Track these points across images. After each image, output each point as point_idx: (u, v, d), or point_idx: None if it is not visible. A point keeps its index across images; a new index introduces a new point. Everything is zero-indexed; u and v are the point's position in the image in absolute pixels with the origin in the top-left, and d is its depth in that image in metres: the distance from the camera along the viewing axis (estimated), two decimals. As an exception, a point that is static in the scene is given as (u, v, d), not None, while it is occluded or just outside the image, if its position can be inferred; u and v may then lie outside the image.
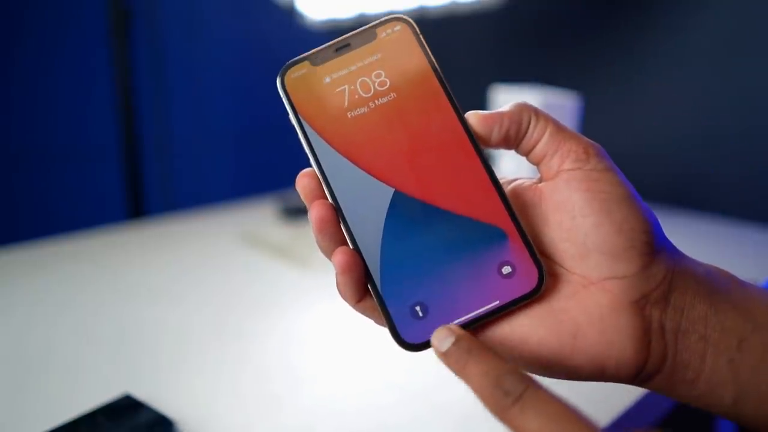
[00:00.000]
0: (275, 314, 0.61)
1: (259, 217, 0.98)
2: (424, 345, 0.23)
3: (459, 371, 0.21)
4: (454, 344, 0.21)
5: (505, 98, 0.75)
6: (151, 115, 1.49)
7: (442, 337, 0.22)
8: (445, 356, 0.21)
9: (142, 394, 0.46)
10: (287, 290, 0.68)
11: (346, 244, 0.25)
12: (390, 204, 0.25)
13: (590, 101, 1.12)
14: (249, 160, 1.72)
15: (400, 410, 0.45)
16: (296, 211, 0.94)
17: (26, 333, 0.57)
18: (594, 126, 1.12)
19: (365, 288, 0.25)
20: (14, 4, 1.26)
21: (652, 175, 1.06)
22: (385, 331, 0.58)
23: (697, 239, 0.88)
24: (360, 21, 1.35)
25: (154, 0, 1.45)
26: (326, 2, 1.22)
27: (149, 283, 0.69)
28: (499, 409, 0.19)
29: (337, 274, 0.24)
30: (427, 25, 1.35)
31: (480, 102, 1.29)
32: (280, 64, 1.69)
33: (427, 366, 0.51)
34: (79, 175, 1.41)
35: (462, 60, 1.31)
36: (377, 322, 0.25)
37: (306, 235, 0.85)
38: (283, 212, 0.94)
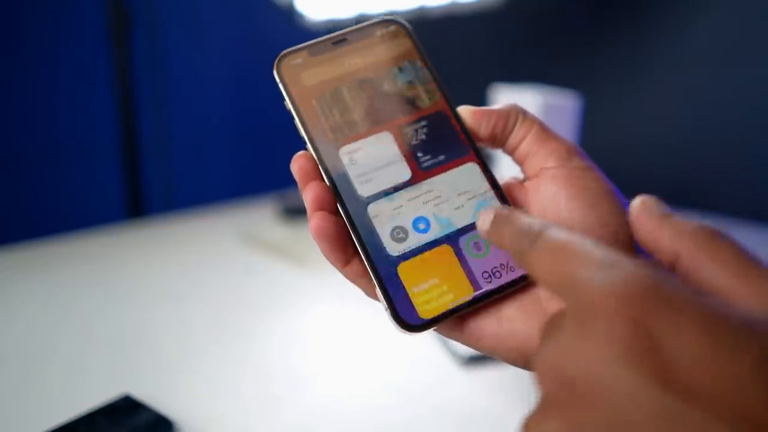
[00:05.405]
0: (275, 314, 0.61)
1: (259, 217, 0.98)
2: (424, 326, 0.24)
3: (498, 241, 0.22)
4: (494, 219, 0.23)
5: (505, 98, 0.75)
6: (151, 115, 1.49)
7: (485, 218, 0.23)
8: (488, 233, 0.23)
9: (142, 395, 0.46)
10: (287, 290, 0.68)
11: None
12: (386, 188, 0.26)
13: (590, 101, 1.12)
14: (249, 160, 1.72)
15: (400, 410, 0.45)
16: (296, 211, 0.94)
17: (25, 333, 0.57)
18: (594, 126, 1.12)
19: (349, 252, 0.25)
20: (14, 4, 1.26)
21: (652, 175, 1.06)
22: (385, 331, 0.58)
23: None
24: (360, 21, 1.35)
25: (154, 0, 1.45)
26: (326, 2, 1.22)
27: (149, 283, 0.69)
28: (517, 255, 0.20)
29: (315, 240, 0.24)
30: (427, 25, 1.35)
31: (480, 102, 1.29)
32: (280, 64, 1.69)
33: (427, 366, 0.51)
34: (79, 175, 1.41)
35: (462, 60, 1.31)
36: (367, 292, 0.26)
37: (306, 236, 0.85)
38: (283, 212, 0.94)
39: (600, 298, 0.15)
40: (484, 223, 0.23)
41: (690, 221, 0.19)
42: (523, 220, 0.21)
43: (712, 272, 0.17)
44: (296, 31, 1.69)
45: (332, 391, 0.47)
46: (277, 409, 0.45)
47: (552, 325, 0.17)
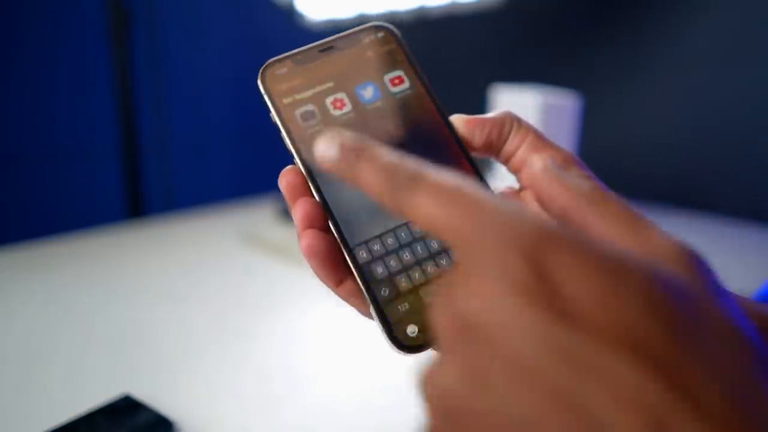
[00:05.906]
0: (275, 314, 0.61)
1: (258, 217, 0.98)
2: (420, 347, 0.23)
3: (352, 179, 0.19)
4: (341, 151, 0.19)
5: (505, 98, 0.75)
6: (150, 115, 1.49)
7: (327, 146, 0.20)
8: (335, 167, 0.19)
9: (142, 395, 0.46)
10: (287, 290, 0.68)
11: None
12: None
13: (590, 101, 1.12)
14: (249, 160, 1.72)
15: (400, 410, 0.45)
16: (296, 211, 0.94)
17: (26, 333, 0.57)
18: (594, 126, 1.12)
19: (342, 270, 0.24)
20: (14, 4, 1.26)
21: (652, 175, 1.06)
22: (385, 331, 0.58)
23: (697, 239, 0.88)
24: (360, 21, 1.35)
25: (154, 0, 1.45)
26: (326, 2, 1.22)
27: (149, 283, 0.69)
28: (390, 197, 0.18)
29: (306, 259, 0.23)
30: (427, 25, 1.35)
31: (480, 102, 1.29)
32: (280, 64, 1.69)
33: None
34: (79, 175, 1.41)
35: (462, 60, 1.31)
36: (362, 311, 0.25)
37: (306, 235, 0.85)
38: (283, 212, 0.94)
39: (495, 239, 0.15)
40: (326, 152, 0.20)
41: (579, 178, 0.20)
42: (387, 155, 0.19)
43: (602, 226, 0.18)
44: (296, 31, 1.69)
45: (332, 391, 0.47)
46: (277, 409, 0.45)
47: (445, 272, 0.17)
